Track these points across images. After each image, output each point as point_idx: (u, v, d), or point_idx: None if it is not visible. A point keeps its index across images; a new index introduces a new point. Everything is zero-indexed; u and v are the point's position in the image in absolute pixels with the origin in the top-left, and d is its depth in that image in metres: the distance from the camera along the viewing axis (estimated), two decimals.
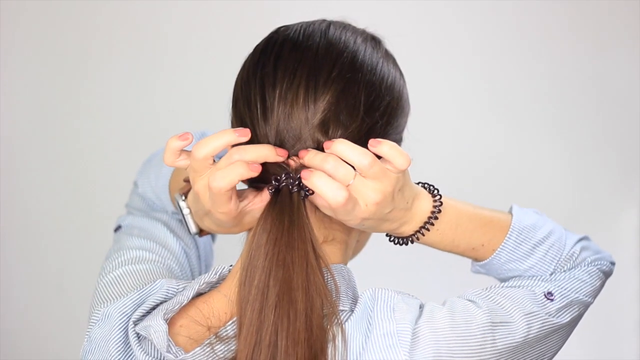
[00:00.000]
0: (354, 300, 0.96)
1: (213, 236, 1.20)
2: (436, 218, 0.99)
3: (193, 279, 1.11)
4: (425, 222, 1.00)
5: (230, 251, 1.09)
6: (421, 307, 0.96)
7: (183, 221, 1.06)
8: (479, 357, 0.93)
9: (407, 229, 1.00)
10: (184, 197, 1.04)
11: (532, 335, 0.97)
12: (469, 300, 0.97)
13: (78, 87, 2.03)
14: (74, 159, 2.07)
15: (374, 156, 0.92)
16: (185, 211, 1.03)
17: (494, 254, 1.04)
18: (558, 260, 1.05)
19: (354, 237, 1.03)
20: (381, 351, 0.91)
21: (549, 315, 0.99)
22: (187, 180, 1.07)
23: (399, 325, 0.92)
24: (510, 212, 1.07)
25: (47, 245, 2.08)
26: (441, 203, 1.00)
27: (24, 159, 2.05)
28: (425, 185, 1.01)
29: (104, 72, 2.03)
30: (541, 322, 0.98)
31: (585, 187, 2.03)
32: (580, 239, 1.08)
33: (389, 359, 0.90)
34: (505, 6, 1.97)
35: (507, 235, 1.04)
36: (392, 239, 1.02)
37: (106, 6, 2.00)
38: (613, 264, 1.09)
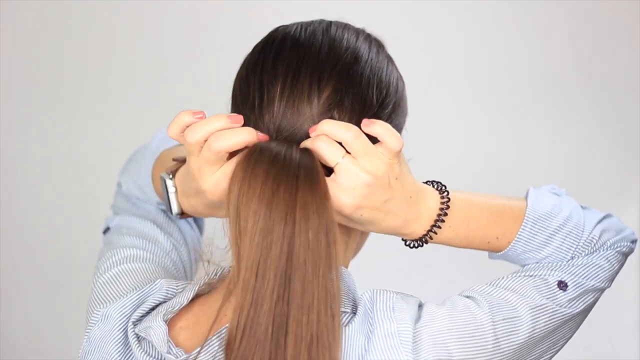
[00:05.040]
0: (354, 304, 0.95)
1: (201, 230, 1.19)
2: (445, 214, 0.97)
3: (185, 274, 1.11)
4: (436, 220, 0.97)
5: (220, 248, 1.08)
6: (420, 306, 0.95)
7: (166, 201, 1.04)
8: (482, 358, 0.92)
9: (418, 229, 0.97)
10: (171, 176, 1.02)
11: (538, 330, 0.95)
12: (470, 298, 0.96)
13: (78, 87, 2.03)
14: (75, 158, 2.06)
15: (358, 129, 0.91)
16: (171, 189, 1.02)
17: (509, 246, 1.01)
18: (576, 247, 1.01)
19: (354, 239, 1.02)
20: (383, 352, 0.90)
21: (560, 306, 0.97)
22: (175, 160, 1.06)
23: (400, 325, 0.91)
24: (526, 197, 1.03)
25: (47, 245, 2.08)
26: (449, 199, 0.97)
27: (24, 159, 2.05)
28: (433, 183, 0.99)
29: (104, 72, 2.03)
30: (549, 314, 0.96)
31: (584, 188, 2.02)
32: (601, 220, 1.03)
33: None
34: (504, 4, 1.97)
35: (522, 227, 1.00)
36: (407, 242, 1.00)
37: (107, 5, 2.00)
38: (634, 242, 1.05)
